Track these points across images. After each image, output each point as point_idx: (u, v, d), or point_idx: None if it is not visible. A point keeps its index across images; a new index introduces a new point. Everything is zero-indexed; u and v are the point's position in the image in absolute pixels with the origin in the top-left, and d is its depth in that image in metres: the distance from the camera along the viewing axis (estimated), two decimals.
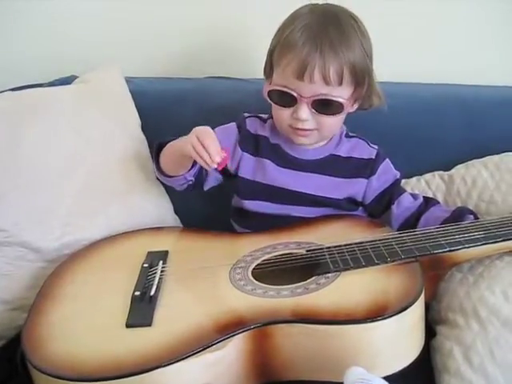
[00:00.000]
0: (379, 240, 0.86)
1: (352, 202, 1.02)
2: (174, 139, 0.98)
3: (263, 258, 0.89)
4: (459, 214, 0.95)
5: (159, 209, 1.11)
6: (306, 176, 1.00)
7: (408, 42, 1.23)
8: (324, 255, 0.85)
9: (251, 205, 1.02)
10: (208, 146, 0.87)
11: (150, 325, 0.76)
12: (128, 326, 0.76)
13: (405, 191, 1.02)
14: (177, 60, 1.31)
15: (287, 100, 0.92)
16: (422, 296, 0.76)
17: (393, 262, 0.82)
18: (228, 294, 0.81)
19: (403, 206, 0.99)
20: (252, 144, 1.03)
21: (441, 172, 1.11)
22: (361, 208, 1.03)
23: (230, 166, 1.03)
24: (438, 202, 1.02)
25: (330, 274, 0.81)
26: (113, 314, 0.79)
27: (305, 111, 0.91)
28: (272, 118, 1.03)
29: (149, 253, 0.92)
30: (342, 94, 0.91)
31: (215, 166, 0.88)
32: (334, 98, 0.91)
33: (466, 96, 1.18)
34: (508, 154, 1.07)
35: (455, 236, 0.85)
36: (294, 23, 0.91)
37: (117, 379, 0.68)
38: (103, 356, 0.72)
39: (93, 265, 0.92)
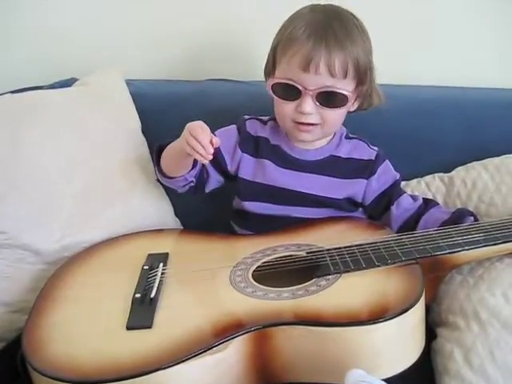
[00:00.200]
0: (379, 242, 0.86)
1: (352, 203, 1.02)
2: (173, 141, 0.98)
3: (264, 260, 0.89)
4: (459, 216, 0.95)
5: (160, 211, 1.11)
6: (306, 176, 1.00)
7: (408, 44, 1.23)
8: (324, 257, 0.85)
9: (251, 206, 1.02)
10: (201, 140, 0.88)
11: (150, 327, 0.76)
12: (128, 328, 0.76)
13: (404, 193, 1.03)
14: (177, 62, 1.31)
15: (291, 93, 0.93)
16: (423, 298, 0.76)
17: (393, 263, 0.82)
18: (228, 296, 0.81)
19: (402, 208, 1.00)
20: (252, 145, 1.04)
21: (441, 174, 1.11)
22: (361, 209, 1.04)
23: (230, 167, 1.03)
24: (438, 204, 1.02)
25: (330, 276, 0.81)
26: (113, 316, 0.79)
27: (309, 104, 0.92)
28: (272, 119, 1.04)
29: (149, 255, 0.92)
30: (346, 87, 0.92)
31: (210, 157, 0.89)
32: (339, 90, 0.91)
33: (467, 98, 1.18)
34: (508, 156, 1.07)
35: (455, 238, 0.85)
36: (296, 21, 0.92)
37: (117, 381, 0.68)
38: (103, 358, 0.72)
39: (93, 267, 0.92)
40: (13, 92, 1.11)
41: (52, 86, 1.19)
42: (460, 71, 1.23)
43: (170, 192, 1.12)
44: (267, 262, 0.88)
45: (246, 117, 1.07)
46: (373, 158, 1.02)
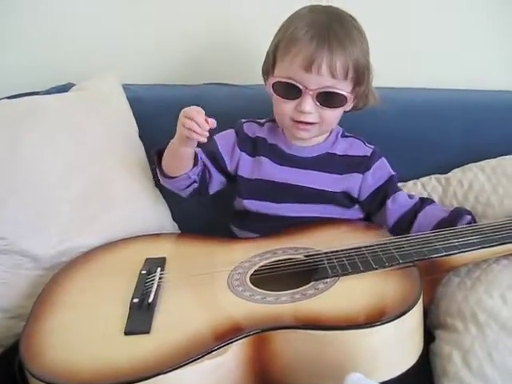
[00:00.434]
0: (377, 245, 0.86)
1: (348, 197, 1.02)
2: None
3: (261, 264, 0.89)
4: (457, 214, 0.95)
5: (157, 215, 1.11)
6: (302, 172, 1.02)
7: (407, 47, 1.24)
8: (322, 260, 0.85)
9: (251, 204, 1.03)
10: (197, 119, 0.89)
11: (148, 332, 0.76)
12: (126, 333, 0.76)
13: (400, 190, 1.03)
14: (177, 65, 1.32)
15: (292, 92, 0.94)
16: (421, 300, 0.76)
17: (391, 266, 0.82)
18: (226, 300, 0.81)
19: (398, 203, 1.00)
20: (250, 145, 1.05)
21: (437, 175, 1.11)
22: (357, 206, 1.04)
23: (229, 167, 1.05)
24: (434, 202, 1.02)
25: (328, 280, 0.81)
26: (111, 321, 0.79)
27: (309, 103, 0.93)
28: (269, 121, 1.05)
29: (147, 259, 0.92)
30: (345, 87, 0.94)
31: (207, 135, 0.90)
32: (339, 91, 0.93)
33: (465, 101, 1.18)
34: (505, 157, 1.07)
35: (451, 240, 0.85)
36: (297, 22, 0.94)
37: None
38: (102, 363, 0.72)
39: (91, 272, 0.92)
40: (9, 97, 1.12)
41: (49, 92, 1.19)
42: (458, 74, 1.23)
43: (167, 196, 1.12)
44: (265, 266, 0.88)
45: (243, 120, 1.08)
46: (368, 154, 1.03)
